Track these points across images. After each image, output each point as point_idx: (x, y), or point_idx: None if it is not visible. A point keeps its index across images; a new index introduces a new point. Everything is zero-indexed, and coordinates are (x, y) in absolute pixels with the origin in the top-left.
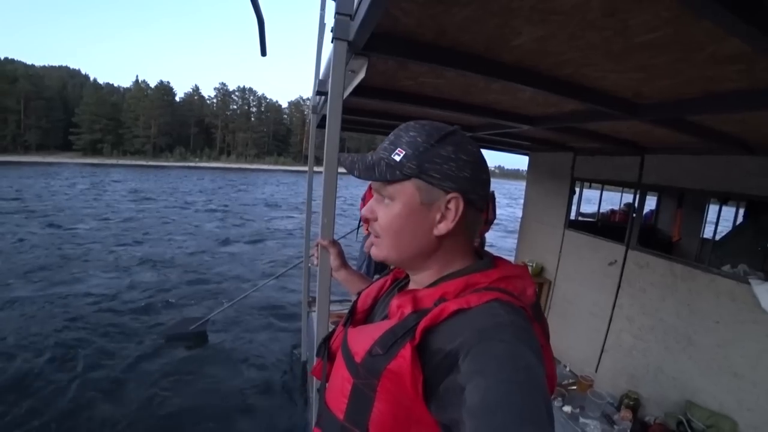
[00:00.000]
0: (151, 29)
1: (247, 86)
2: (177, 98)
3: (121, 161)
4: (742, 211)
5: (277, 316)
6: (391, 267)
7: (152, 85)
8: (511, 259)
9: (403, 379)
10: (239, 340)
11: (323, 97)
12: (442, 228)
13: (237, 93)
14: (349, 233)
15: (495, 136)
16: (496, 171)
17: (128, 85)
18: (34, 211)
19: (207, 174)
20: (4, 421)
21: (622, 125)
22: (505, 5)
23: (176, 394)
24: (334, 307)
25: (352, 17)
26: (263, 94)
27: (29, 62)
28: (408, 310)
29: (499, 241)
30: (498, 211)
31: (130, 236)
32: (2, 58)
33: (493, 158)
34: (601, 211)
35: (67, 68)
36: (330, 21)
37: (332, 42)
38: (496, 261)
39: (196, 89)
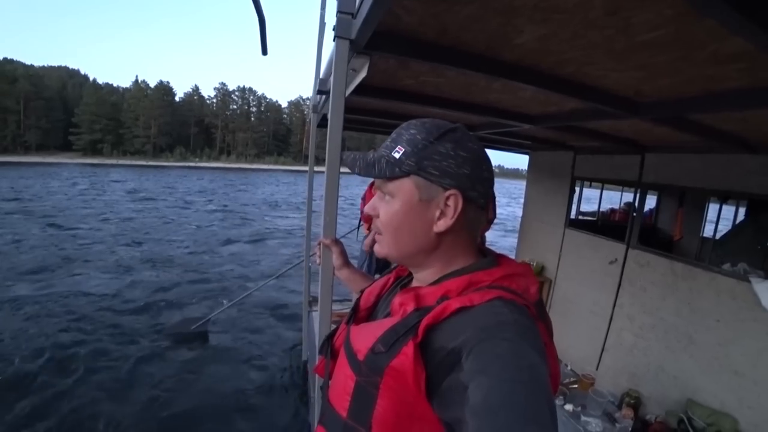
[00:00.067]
0: (150, 29)
1: (247, 86)
2: (177, 98)
3: (121, 161)
4: (742, 210)
5: (278, 316)
6: (393, 266)
7: (152, 85)
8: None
9: (405, 377)
10: (240, 339)
11: (323, 97)
12: (442, 225)
13: (237, 93)
14: (348, 233)
15: (496, 135)
16: (496, 170)
17: (128, 85)
18: (33, 212)
19: (207, 174)
20: (5, 422)
21: (622, 124)
22: (508, 4)
23: (177, 393)
24: (334, 307)
25: (354, 15)
26: (263, 94)
27: (28, 62)
28: (410, 307)
29: (500, 240)
30: (498, 210)
31: (130, 236)
32: (1, 58)
33: (492, 157)
34: (601, 210)
35: (66, 68)
36: (330, 20)
37: (334, 41)
38: (499, 259)
39: (196, 89)
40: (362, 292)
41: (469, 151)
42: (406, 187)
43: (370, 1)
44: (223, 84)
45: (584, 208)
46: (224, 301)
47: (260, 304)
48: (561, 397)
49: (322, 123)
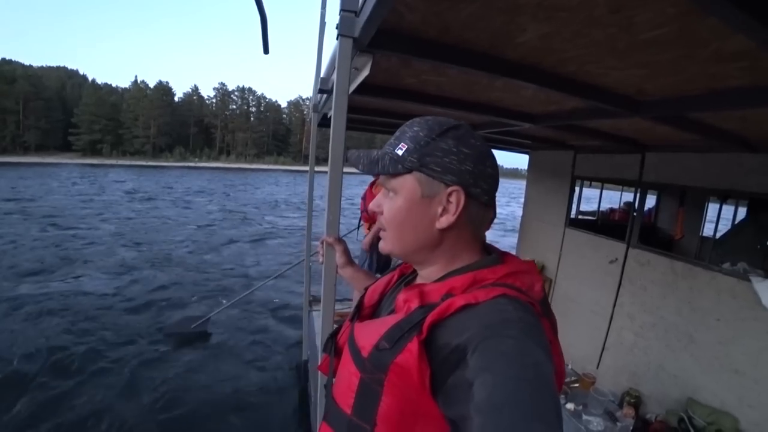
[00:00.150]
0: (149, 29)
1: (247, 86)
2: (176, 98)
3: (120, 161)
4: (741, 209)
5: (278, 316)
6: (394, 265)
7: (151, 85)
8: None
9: (410, 373)
10: (240, 339)
11: (324, 96)
12: (444, 221)
13: (236, 93)
14: (348, 233)
15: (496, 135)
16: None
17: (127, 86)
18: (33, 212)
19: (206, 174)
20: (3, 422)
21: (623, 123)
22: (512, 1)
23: (176, 392)
24: (335, 306)
25: (357, 14)
26: (262, 94)
27: (27, 62)
28: (415, 304)
29: (499, 239)
30: (497, 210)
31: (129, 236)
32: (0, 58)
33: None
34: (600, 209)
35: (65, 68)
36: (330, 19)
37: (337, 39)
38: (503, 256)
39: (196, 89)
40: (366, 289)
41: (472, 147)
42: (408, 183)
43: (373, 0)
44: (223, 84)
45: (583, 207)
46: (223, 301)
47: (260, 303)
48: (562, 396)
49: (323, 122)
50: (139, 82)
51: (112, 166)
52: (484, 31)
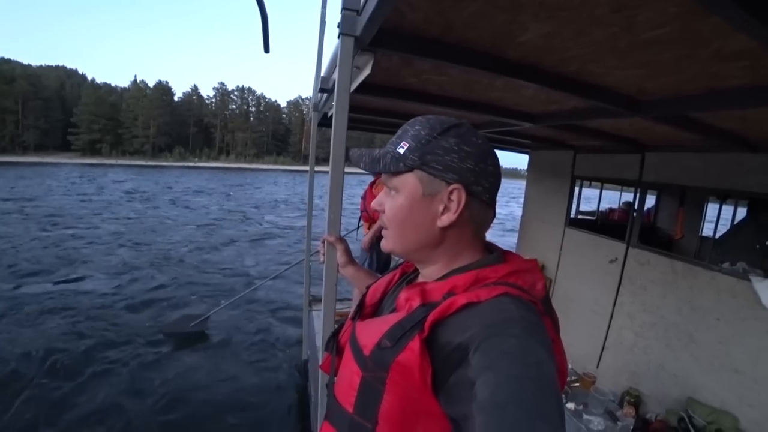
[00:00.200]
0: (149, 29)
1: (246, 86)
2: (176, 98)
3: (120, 161)
4: (741, 209)
5: (277, 315)
6: (395, 264)
7: (151, 84)
8: None
9: (411, 372)
10: (239, 339)
11: (324, 95)
12: (445, 220)
13: (236, 93)
14: (347, 234)
15: (496, 135)
16: None
17: (126, 85)
18: (32, 212)
19: (206, 174)
20: (3, 422)
21: (624, 122)
22: (514, 0)
23: (176, 392)
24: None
25: (359, 12)
26: (262, 94)
27: (25, 62)
28: (416, 303)
29: (498, 239)
30: (497, 210)
31: (129, 236)
32: None
33: None
34: (600, 209)
35: (64, 68)
36: (331, 18)
37: (338, 38)
38: (506, 255)
39: (195, 89)
40: (368, 288)
41: (473, 146)
42: (409, 181)
43: None
44: (222, 84)
45: (582, 207)
46: (222, 301)
47: (260, 303)
48: (563, 396)
49: (323, 122)
50: (138, 81)
51: (111, 165)
52: (486, 29)
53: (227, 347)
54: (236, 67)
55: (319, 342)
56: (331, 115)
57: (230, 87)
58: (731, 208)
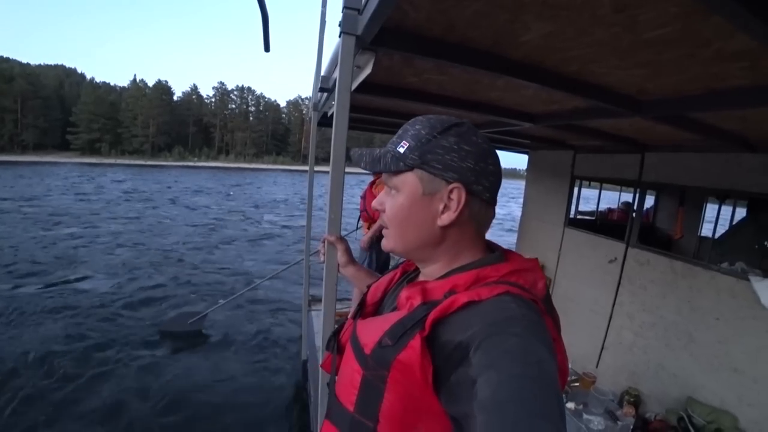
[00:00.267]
0: (149, 29)
1: (246, 85)
2: (175, 97)
3: (119, 161)
4: (740, 209)
5: (277, 315)
6: (394, 264)
7: (150, 84)
8: None
9: (412, 370)
10: (239, 338)
11: (324, 95)
12: (446, 219)
13: (235, 92)
14: (348, 234)
15: (496, 134)
16: None
17: (125, 84)
18: (30, 211)
19: (205, 173)
20: (2, 422)
21: (624, 122)
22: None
23: (175, 392)
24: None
25: (360, 11)
26: (261, 94)
27: (24, 61)
28: (417, 301)
29: (497, 239)
30: (496, 210)
31: (128, 235)
32: None
33: None
34: (599, 209)
35: (63, 67)
36: (331, 17)
37: (340, 37)
38: (507, 254)
39: (195, 88)
40: (369, 287)
41: (474, 145)
42: (410, 180)
43: None
44: (222, 83)
45: (582, 207)
46: (220, 300)
47: (259, 303)
48: (563, 395)
49: (323, 121)
50: (138, 81)
51: (110, 165)
52: (488, 29)
53: (227, 347)
54: (236, 67)
55: (319, 342)
56: (331, 115)
57: (230, 86)
58: (730, 208)
